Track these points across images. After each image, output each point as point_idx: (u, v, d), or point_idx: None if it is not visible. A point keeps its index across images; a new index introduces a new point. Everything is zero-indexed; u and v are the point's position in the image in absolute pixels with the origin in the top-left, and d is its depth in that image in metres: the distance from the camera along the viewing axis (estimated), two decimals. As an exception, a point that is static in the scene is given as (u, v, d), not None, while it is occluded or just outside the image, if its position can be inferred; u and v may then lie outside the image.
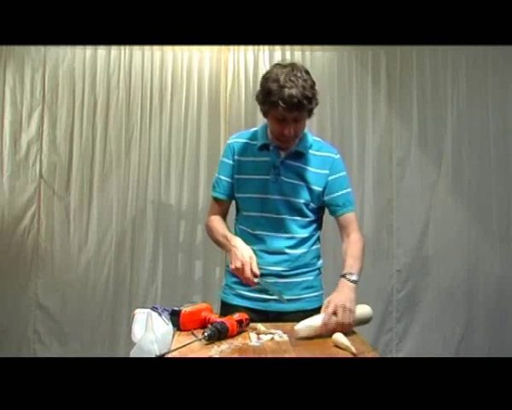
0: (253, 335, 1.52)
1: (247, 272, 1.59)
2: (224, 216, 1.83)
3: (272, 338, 1.50)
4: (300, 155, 1.74)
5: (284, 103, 1.56)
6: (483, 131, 3.29)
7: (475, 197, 3.28)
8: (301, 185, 1.73)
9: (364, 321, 1.65)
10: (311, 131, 3.26)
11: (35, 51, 3.21)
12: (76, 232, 3.23)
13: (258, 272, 1.61)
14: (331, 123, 3.29)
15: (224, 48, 3.25)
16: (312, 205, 1.75)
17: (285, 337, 1.51)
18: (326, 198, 1.76)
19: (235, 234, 1.82)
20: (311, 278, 1.80)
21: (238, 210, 1.85)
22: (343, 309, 1.50)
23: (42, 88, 3.22)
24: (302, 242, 1.76)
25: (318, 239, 1.85)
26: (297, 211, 1.74)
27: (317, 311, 1.68)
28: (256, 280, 1.61)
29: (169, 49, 3.26)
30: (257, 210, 1.74)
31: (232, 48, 3.26)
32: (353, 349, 1.36)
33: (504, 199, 3.28)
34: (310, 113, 1.68)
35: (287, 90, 1.55)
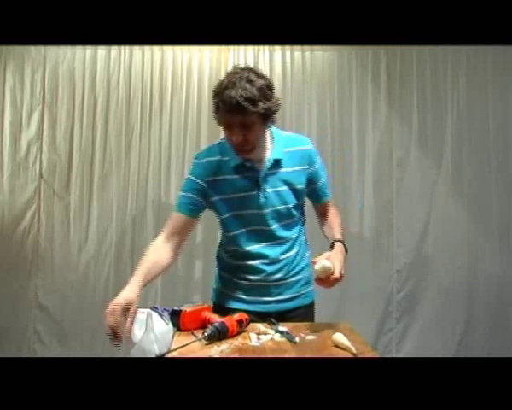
0: (253, 335, 1.52)
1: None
2: (182, 236, 1.66)
3: (272, 338, 1.50)
4: (278, 162, 1.67)
5: (224, 105, 1.48)
6: (483, 131, 3.29)
7: (475, 197, 3.28)
8: (286, 190, 1.69)
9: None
10: (312, 131, 3.30)
11: (35, 51, 3.22)
12: (76, 232, 3.23)
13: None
14: (331, 123, 3.29)
15: (224, 48, 3.25)
16: (298, 204, 1.75)
17: (291, 336, 1.50)
18: (309, 189, 1.76)
19: (220, 258, 1.82)
20: (308, 274, 1.81)
21: (222, 235, 1.79)
22: (341, 275, 1.51)
23: (42, 88, 3.22)
24: (293, 242, 1.76)
25: (305, 232, 1.85)
26: (286, 216, 1.71)
27: (310, 306, 1.81)
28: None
29: (169, 49, 3.26)
30: (245, 226, 1.69)
31: (232, 48, 3.26)
32: (353, 349, 1.36)
33: (504, 199, 3.28)
34: (265, 118, 1.56)
35: (227, 92, 1.47)
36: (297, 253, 1.77)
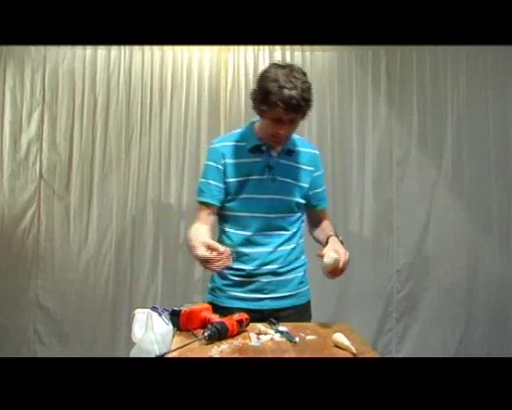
0: (253, 335, 1.52)
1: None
2: (211, 224, 1.77)
3: (272, 338, 1.50)
4: (291, 153, 1.78)
5: (283, 104, 1.57)
6: (483, 132, 3.29)
7: (475, 197, 3.28)
8: (293, 184, 1.77)
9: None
10: (312, 131, 3.30)
11: (35, 51, 3.21)
12: (76, 232, 3.23)
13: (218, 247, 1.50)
14: (331, 123, 3.29)
15: (224, 48, 3.25)
16: (301, 202, 1.80)
17: (291, 336, 1.50)
18: (310, 193, 1.83)
19: (220, 240, 1.82)
20: (301, 273, 1.85)
21: (223, 216, 1.81)
22: (345, 255, 1.59)
23: (42, 88, 3.22)
24: (291, 237, 1.80)
25: (303, 233, 1.88)
26: (288, 209, 1.77)
27: (306, 305, 1.83)
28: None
29: (169, 49, 3.26)
30: (251, 211, 1.74)
31: (232, 48, 3.26)
32: (353, 349, 1.36)
33: (504, 199, 3.28)
34: (304, 115, 1.68)
35: (286, 91, 1.56)
36: (293, 249, 1.80)
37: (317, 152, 1.87)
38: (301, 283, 1.84)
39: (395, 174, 3.31)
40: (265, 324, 1.62)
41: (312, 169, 1.82)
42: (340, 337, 1.43)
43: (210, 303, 1.80)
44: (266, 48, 3.26)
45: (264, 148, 1.74)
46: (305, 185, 1.80)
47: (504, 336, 3.23)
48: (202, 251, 1.50)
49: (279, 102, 1.57)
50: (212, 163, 1.76)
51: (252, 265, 1.74)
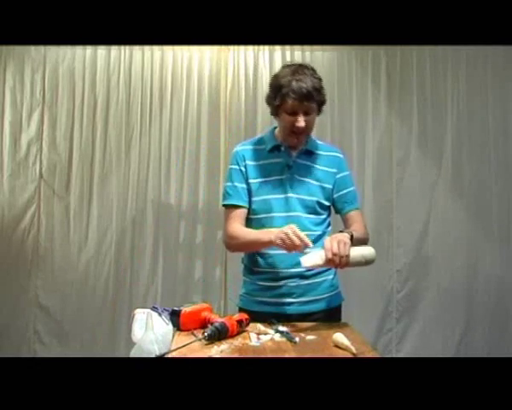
0: (253, 335, 1.52)
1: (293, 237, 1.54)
2: (243, 225, 1.78)
3: (272, 338, 1.50)
4: (310, 154, 1.80)
5: (294, 93, 1.62)
6: (483, 131, 3.29)
7: (475, 197, 3.28)
8: (314, 184, 1.77)
9: (366, 260, 1.63)
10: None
11: (35, 51, 3.22)
12: (76, 232, 3.23)
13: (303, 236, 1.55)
14: (331, 123, 3.29)
15: (224, 48, 3.25)
16: (324, 203, 1.80)
17: (291, 336, 1.50)
18: (335, 196, 1.82)
19: (245, 259, 1.84)
20: (331, 277, 1.83)
21: (247, 219, 1.81)
22: (338, 242, 1.54)
23: (42, 88, 3.22)
24: (317, 240, 1.75)
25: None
26: (311, 209, 1.77)
27: (337, 309, 1.82)
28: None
29: (169, 49, 3.26)
30: (274, 211, 1.75)
31: (232, 48, 3.26)
32: (353, 349, 1.35)
33: (504, 199, 3.28)
34: (319, 108, 1.72)
35: (296, 82, 1.63)
36: None
37: (340, 155, 1.87)
38: (331, 286, 1.82)
39: (395, 174, 3.31)
40: (265, 324, 1.62)
41: (335, 171, 1.81)
42: (340, 337, 1.43)
43: (240, 309, 1.83)
44: (266, 48, 3.26)
45: (282, 148, 1.78)
46: (329, 186, 1.79)
47: (504, 336, 3.23)
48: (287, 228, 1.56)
49: (290, 93, 1.62)
50: (235, 166, 1.80)
51: (278, 267, 1.73)
